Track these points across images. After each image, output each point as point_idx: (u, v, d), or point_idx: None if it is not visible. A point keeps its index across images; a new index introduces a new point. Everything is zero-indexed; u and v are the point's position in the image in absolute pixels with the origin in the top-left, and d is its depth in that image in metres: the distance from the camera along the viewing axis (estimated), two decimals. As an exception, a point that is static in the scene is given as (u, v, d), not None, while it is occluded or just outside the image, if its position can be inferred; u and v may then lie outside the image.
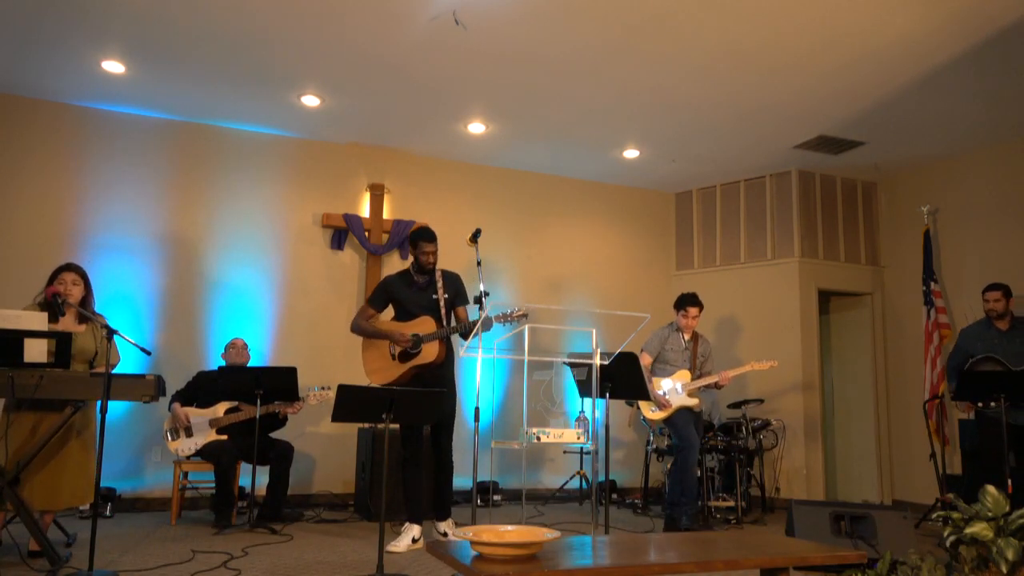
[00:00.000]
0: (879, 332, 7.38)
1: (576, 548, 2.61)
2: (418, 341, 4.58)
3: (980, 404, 5.12)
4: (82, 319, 4.04)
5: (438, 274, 4.77)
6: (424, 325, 4.64)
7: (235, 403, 5.33)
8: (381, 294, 4.82)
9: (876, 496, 7.09)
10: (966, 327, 5.53)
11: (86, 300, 4.07)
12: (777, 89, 5.50)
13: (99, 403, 3.50)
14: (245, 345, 5.56)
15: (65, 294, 3.94)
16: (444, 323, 4.73)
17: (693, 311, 5.51)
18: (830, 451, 7.33)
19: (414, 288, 4.75)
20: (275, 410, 5.28)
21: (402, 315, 4.76)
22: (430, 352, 4.58)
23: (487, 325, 4.35)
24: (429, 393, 4.00)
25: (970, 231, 6.68)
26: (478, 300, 4.70)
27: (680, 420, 5.39)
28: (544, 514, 6.09)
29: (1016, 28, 4.58)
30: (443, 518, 4.79)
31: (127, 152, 6.13)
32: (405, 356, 4.63)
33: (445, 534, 4.71)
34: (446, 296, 4.74)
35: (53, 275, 4.02)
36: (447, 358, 4.72)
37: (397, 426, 4.80)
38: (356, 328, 4.78)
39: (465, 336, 4.56)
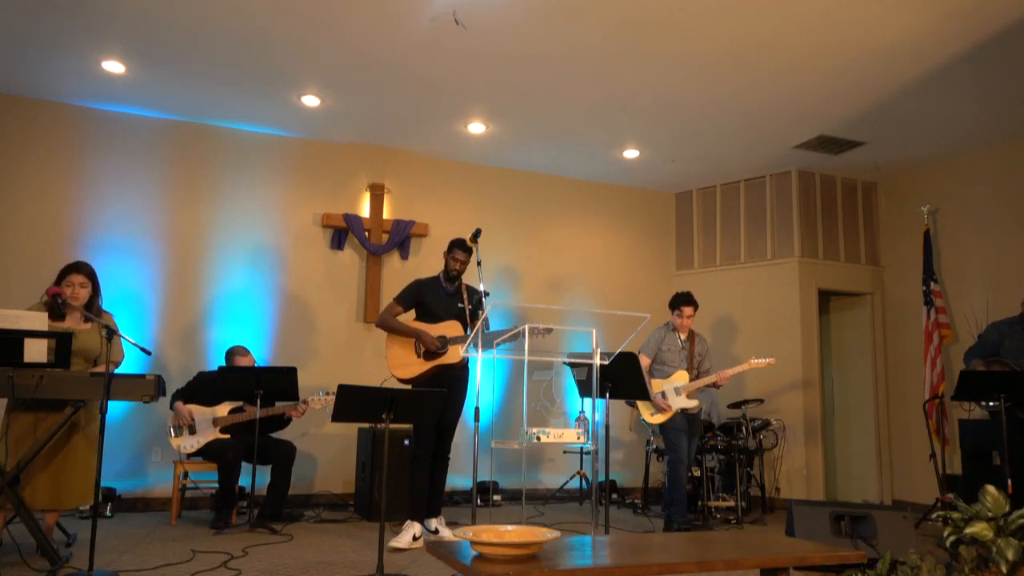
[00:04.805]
0: (879, 332, 7.38)
1: (576, 548, 2.61)
2: (445, 343, 4.78)
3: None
4: (88, 317, 4.03)
5: (463, 286, 4.98)
6: (452, 329, 4.83)
7: (239, 403, 5.33)
8: (411, 295, 4.96)
9: (876, 496, 7.09)
10: (997, 321, 5.37)
11: (92, 301, 4.06)
12: (777, 89, 5.50)
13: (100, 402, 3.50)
14: (246, 351, 5.50)
15: (71, 297, 3.93)
16: (469, 330, 4.90)
17: (688, 310, 5.51)
18: (830, 451, 7.33)
19: (443, 294, 4.94)
20: (280, 412, 5.28)
21: (426, 318, 4.89)
22: (455, 354, 4.77)
23: (514, 335, 4.44)
24: (428, 393, 4.06)
25: (970, 231, 6.67)
26: (479, 301, 4.85)
27: (672, 429, 5.37)
28: (544, 514, 6.09)
29: (1016, 28, 4.58)
30: (435, 514, 4.83)
31: (127, 152, 6.13)
32: (430, 355, 4.80)
33: (436, 531, 4.76)
34: (470, 307, 4.95)
35: (61, 275, 4.01)
36: (467, 361, 4.91)
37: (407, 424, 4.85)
38: (382, 323, 4.90)
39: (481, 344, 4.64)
